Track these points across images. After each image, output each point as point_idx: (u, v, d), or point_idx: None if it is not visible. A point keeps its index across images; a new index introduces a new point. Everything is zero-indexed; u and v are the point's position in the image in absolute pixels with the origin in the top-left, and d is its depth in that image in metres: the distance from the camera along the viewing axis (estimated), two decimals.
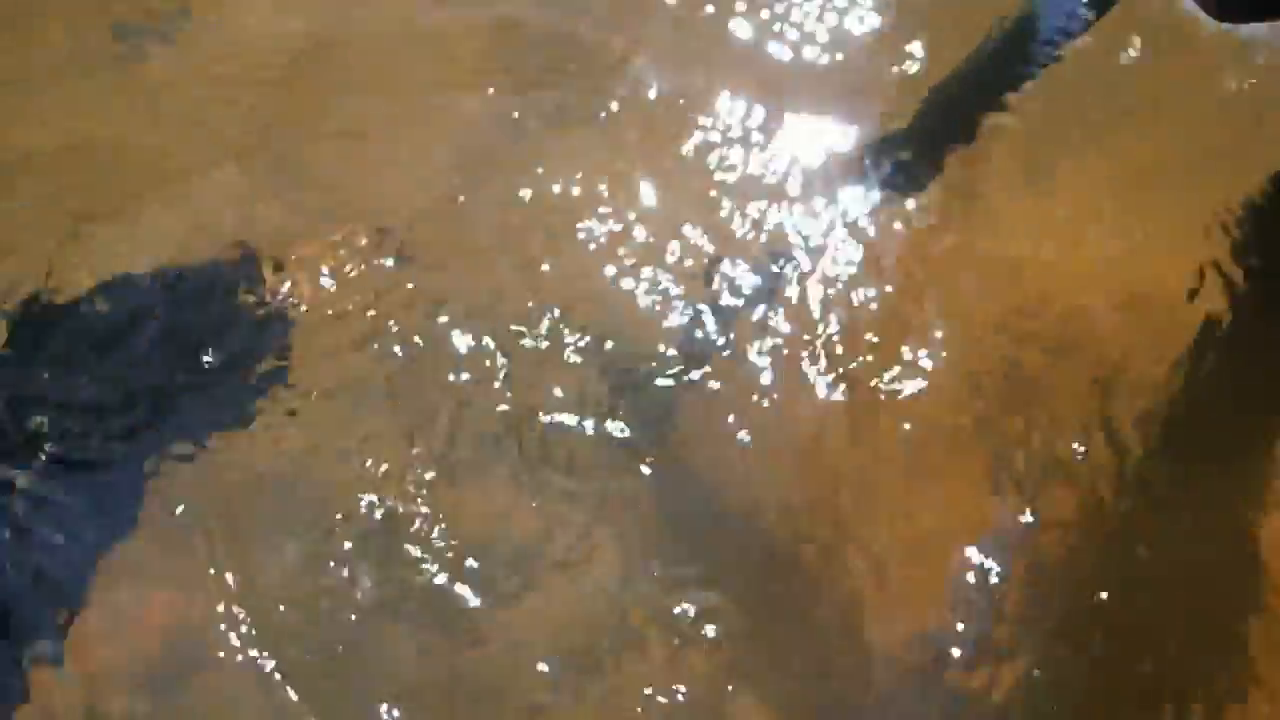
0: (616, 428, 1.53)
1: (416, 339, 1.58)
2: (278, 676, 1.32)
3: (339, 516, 1.44)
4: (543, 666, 1.38)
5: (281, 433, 1.49)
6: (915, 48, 1.85)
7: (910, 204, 1.73)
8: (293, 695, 1.31)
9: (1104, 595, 1.46)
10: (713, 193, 1.73)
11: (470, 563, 1.42)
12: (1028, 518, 1.49)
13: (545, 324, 1.60)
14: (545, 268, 1.66)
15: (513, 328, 1.60)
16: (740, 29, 1.88)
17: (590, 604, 1.42)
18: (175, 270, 1.50)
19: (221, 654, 1.32)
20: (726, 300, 1.65)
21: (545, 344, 1.59)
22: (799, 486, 1.53)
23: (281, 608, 1.36)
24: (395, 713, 1.33)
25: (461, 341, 1.59)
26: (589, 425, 1.53)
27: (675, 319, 1.63)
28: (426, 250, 1.67)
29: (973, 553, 1.47)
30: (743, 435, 1.54)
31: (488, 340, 1.59)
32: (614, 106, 1.81)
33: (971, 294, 1.66)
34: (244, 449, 1.46)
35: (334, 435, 1.50)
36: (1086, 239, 1.71)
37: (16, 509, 1.07)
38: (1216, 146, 1.78)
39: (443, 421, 1.52)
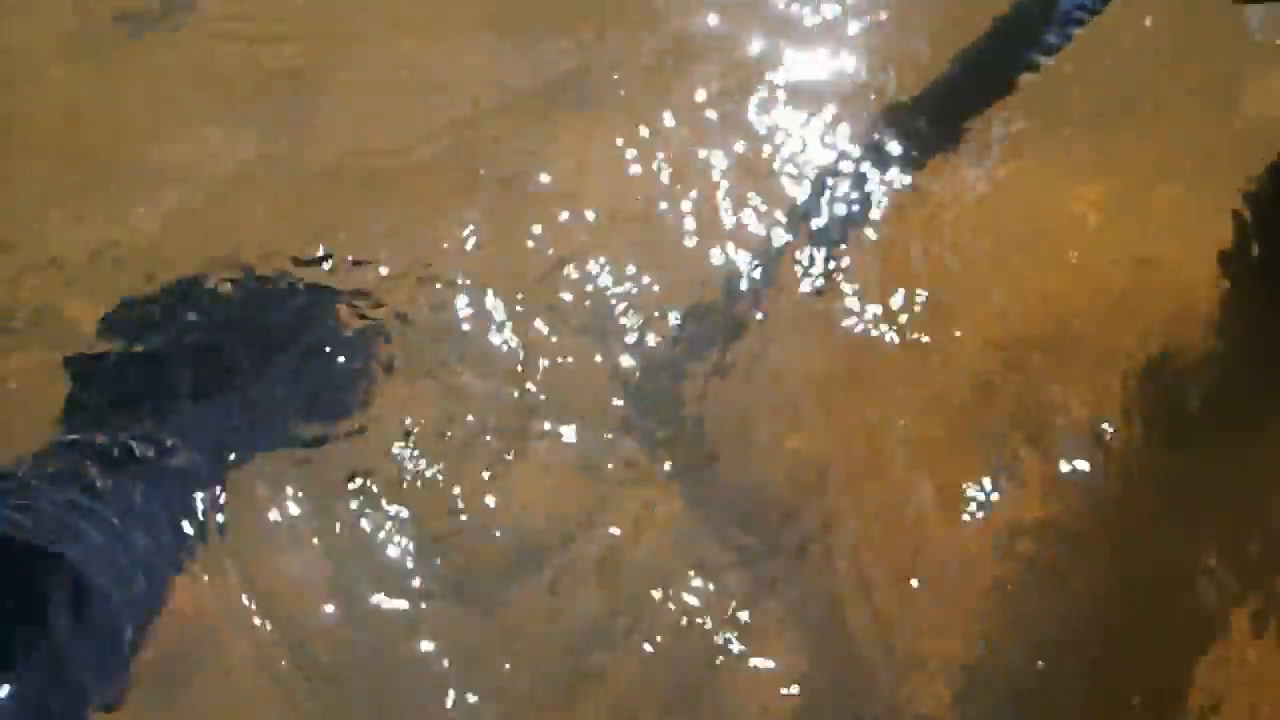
0: (633, 414, 1.54)
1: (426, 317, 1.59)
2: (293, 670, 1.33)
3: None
4: (563, 647, 1.40)
5: None
6: (931, 21, 1.88)
7: (921, 185, 1.74)
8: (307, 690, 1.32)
9: (1104, 594, 1.47)
10: (725, 174, 1.74)
11: (501, 553, 1.44)
12: (1026, 512, 1.51)
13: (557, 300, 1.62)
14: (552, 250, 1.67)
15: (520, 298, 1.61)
16: None
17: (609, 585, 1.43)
18: (259, 275, 1.50)
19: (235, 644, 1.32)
20: (738, 281, 1.66)
21: (558, 323, 1.60)
22: (807, 473, 1.54)
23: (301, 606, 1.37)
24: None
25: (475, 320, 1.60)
26: (604, 412, 1.54)
27: (689, 299, 1.64)
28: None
29: (972, 545, 1.49)
30: (756, 420, 1.56)
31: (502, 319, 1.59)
32: (621, 84, 1.82)
33: (981, 279, 1.67)
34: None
35: None
36: (1100, 225, 1.72)
37: (109, 515, 1.05)
38: (1225, 135, 1.80)
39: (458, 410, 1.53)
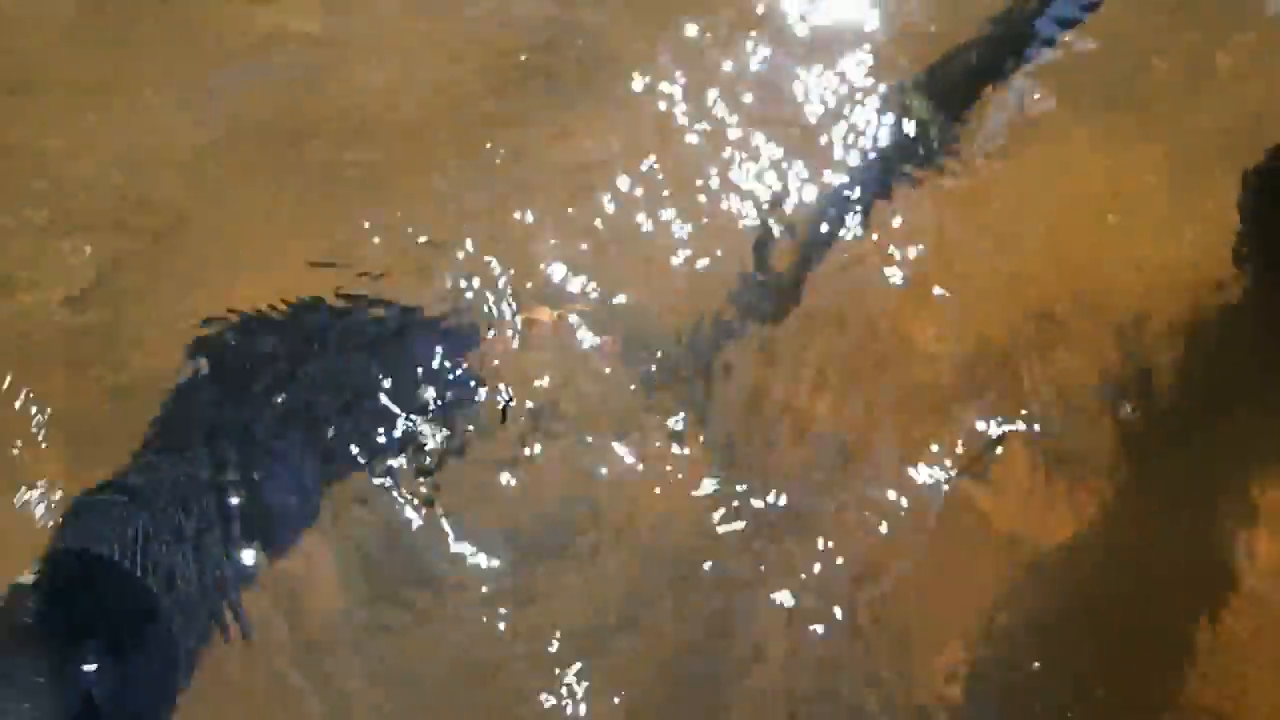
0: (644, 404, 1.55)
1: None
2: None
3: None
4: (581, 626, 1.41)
5: None
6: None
7: (934, 162, 1.73)
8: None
9: (1104, 594, 1.47)
10: (732, 161, 1.73)
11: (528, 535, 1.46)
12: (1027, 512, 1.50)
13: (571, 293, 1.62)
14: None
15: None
16: None
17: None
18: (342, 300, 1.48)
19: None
20: (752, 265, 1.66)
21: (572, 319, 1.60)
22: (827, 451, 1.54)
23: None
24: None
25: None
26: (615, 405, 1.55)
27: (704, 287, 1.63)
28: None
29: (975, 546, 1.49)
30: (780, 397, 1.56)
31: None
32: (631, 73, 1.81)
33: (990, 260, 1.67)
34: None
35: None
36: (1113, 209, 1.70)
37: (188, 542, 1.07)
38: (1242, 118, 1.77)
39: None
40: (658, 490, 1.49)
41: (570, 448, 1.50)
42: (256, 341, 1.38)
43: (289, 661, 1.30)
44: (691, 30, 1.82)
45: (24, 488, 1.37)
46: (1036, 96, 1.77)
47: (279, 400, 1.27)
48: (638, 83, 1.78)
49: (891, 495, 1.49)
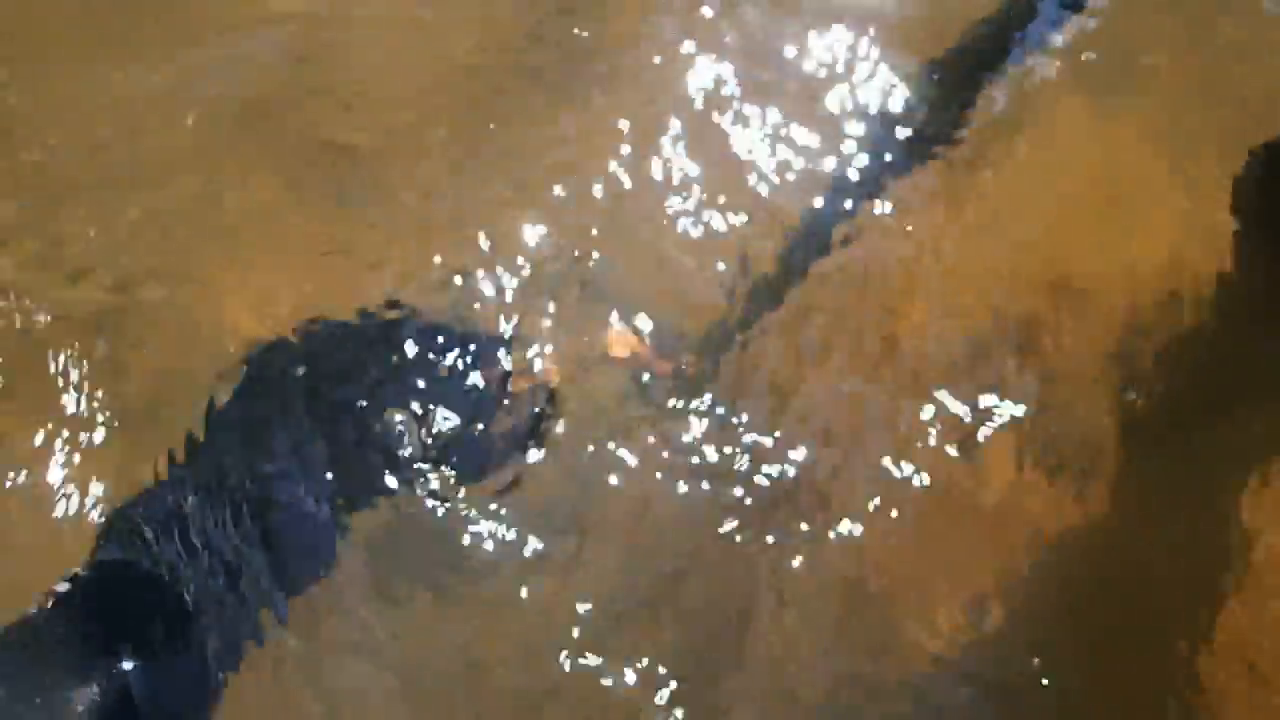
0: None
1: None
2: None
3: None
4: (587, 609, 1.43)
5: None
6: None
7: (930, 154, 1.73)
8: None
9: (1092, 578, 1.49)
10: (737, 150, 1.73)
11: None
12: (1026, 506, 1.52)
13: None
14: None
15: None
16: None
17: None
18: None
19: None
20: (754, 257, 1.66)
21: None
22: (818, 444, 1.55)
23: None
24: None
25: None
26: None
27: (709, 279, 1.64)
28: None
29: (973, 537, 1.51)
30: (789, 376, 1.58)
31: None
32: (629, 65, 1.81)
33: (984, 250, 1.68)
34: None
35: None
36: (1108, 201, 1.71)
37: (226, 557, 1.08)
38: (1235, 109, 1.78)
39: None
40: (660, 476, 1.50)
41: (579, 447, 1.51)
42: (287, 353, 1.37)
43: (295, 664, 1.32)
44: (683, 19, 1.82)
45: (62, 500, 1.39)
46: (1031, 89, 1.78)
47: (308, 414, 1.27)
48: (629, 70, 1.79)
49: (885, 479, 1.51)
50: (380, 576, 1.40)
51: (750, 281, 1.63)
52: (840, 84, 1.76)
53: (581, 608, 1.43)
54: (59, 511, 1.38)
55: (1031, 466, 1.53)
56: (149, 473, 1.26)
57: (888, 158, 1.72)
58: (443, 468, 1.37)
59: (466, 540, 1.43)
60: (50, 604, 0.92)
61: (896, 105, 1.76)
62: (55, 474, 1.41)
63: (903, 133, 1.74)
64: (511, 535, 1.43)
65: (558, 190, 1.67)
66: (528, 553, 1.44)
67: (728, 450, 1.52)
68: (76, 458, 1.43)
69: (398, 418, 1.32)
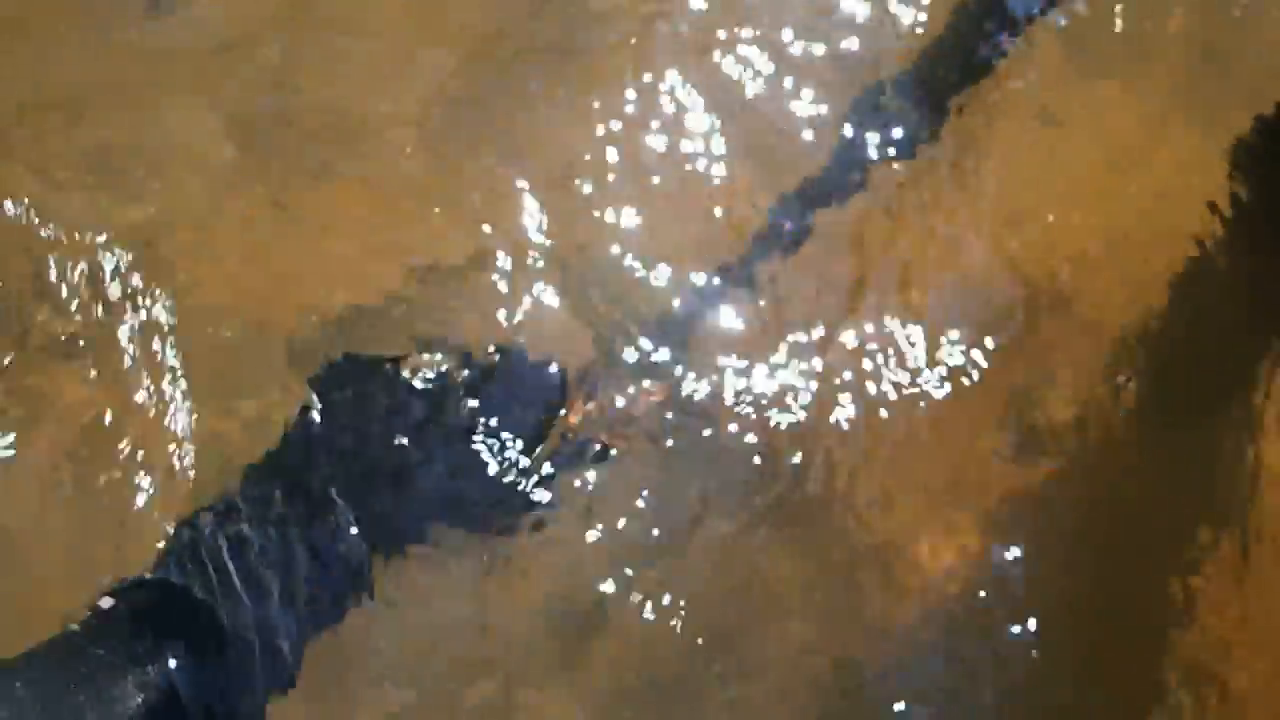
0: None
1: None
2: None
3: None
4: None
5: None
6: None
7: (914, 152, 1.73)
8: None
9: (1101, 564, 1.50)
10: (715, 148, 1.72)
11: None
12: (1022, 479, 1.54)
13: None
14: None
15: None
16: None
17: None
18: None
19: None
20: (728, 258, 1.66)
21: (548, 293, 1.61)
22: (798, 439, 1.56)
23: None
24: None
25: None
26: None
27: (680, 278, 1.64)
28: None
29: (968, 514, 1.52)
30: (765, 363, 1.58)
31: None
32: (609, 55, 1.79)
33: (972, 245, 1.67)
34: None
35: None
36: (1096, 188, 1.72)
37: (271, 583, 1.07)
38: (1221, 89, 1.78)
39: None
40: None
41: None
42: (346, 380, 1.34)
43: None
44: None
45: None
46: (1022, 79, 1.77)
47: (359, 447, 1.25)
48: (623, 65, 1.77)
49: (866, 446, 1.54)
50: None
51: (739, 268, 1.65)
52: (834, 54, 1.77)
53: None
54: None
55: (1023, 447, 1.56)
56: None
57: (880, 140, 1.73)
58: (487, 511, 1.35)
59: None
60: (96, 615, 0.92)
61: (882, 106, 1.76)
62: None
63: (897, 116, 1.75)
64: None
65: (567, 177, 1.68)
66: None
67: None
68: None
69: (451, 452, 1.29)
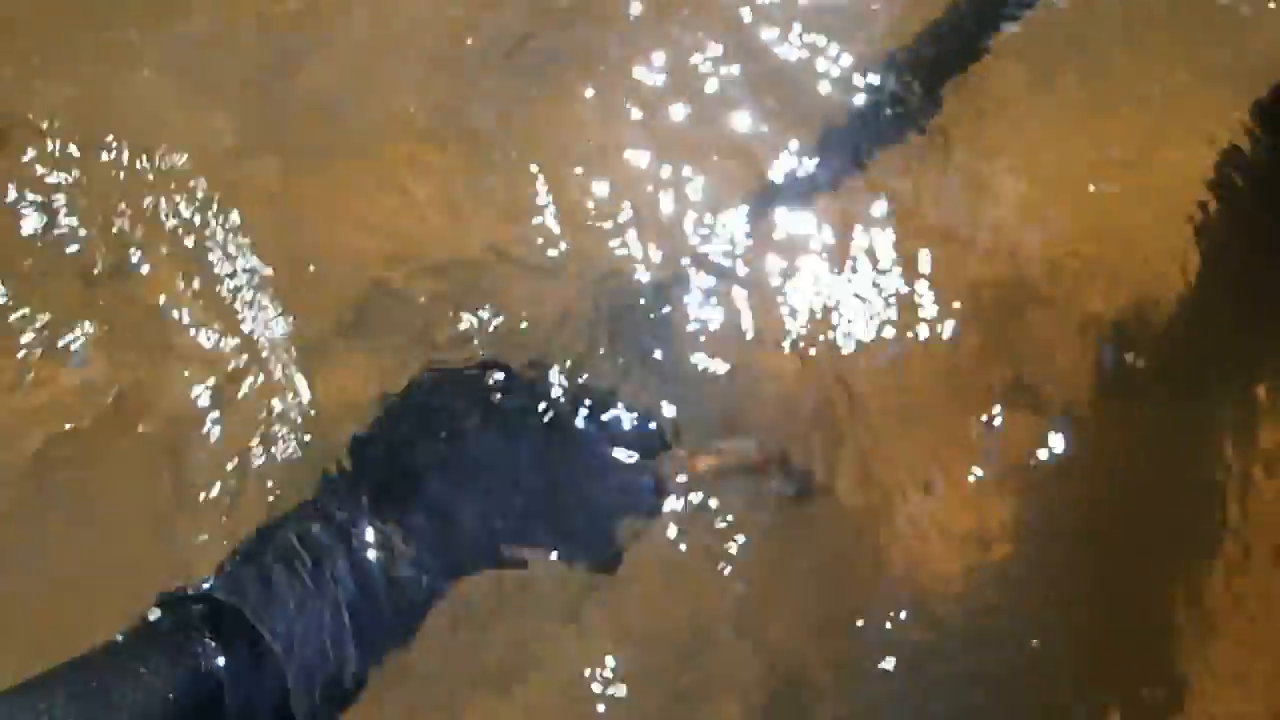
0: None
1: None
2: None
3: None
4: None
5: None
6: None
7: (907, 138, 1.72)
8: None
9: (1100, 562, 1.49)
10: (708, 131, 1.73)
11: None
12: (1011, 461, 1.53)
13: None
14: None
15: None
16: None
17: None
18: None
19: None
20: (717, 237, 1.66)
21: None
22: (786, 417, 1.56)
23: None
24: None
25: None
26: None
27: (666, 256, 1.64)
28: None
29: (959, 492, 1.51)
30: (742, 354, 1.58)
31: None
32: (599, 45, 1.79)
33: (966, 228, 1.67)
34: None
35: None
36: (1092, 174, 1.71)
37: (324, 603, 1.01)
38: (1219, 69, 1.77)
39: None
40: None
41: None
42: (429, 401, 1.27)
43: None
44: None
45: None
46: (1014, 65, 1.77)
47: (433, 476, 1.17)
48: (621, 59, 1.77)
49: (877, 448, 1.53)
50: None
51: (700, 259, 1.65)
52: (825, 64, 1.77)
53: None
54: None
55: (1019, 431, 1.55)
56: None
57: (865, 142, 1.72)
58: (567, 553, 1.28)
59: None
60: (142, 625, 0.92)
61: (877, 93, 1.76)
62: None
63: (891, 101, 1.75)
64: None
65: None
66: None
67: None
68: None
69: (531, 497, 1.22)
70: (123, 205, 1.64)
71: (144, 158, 1.68)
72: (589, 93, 1.76)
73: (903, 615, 1.44)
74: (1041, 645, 1.43)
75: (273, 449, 1.48)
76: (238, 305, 1.60)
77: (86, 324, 1.56)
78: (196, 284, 1.60)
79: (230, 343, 1.57)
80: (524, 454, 1.20)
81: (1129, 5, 1.79)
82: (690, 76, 1.76)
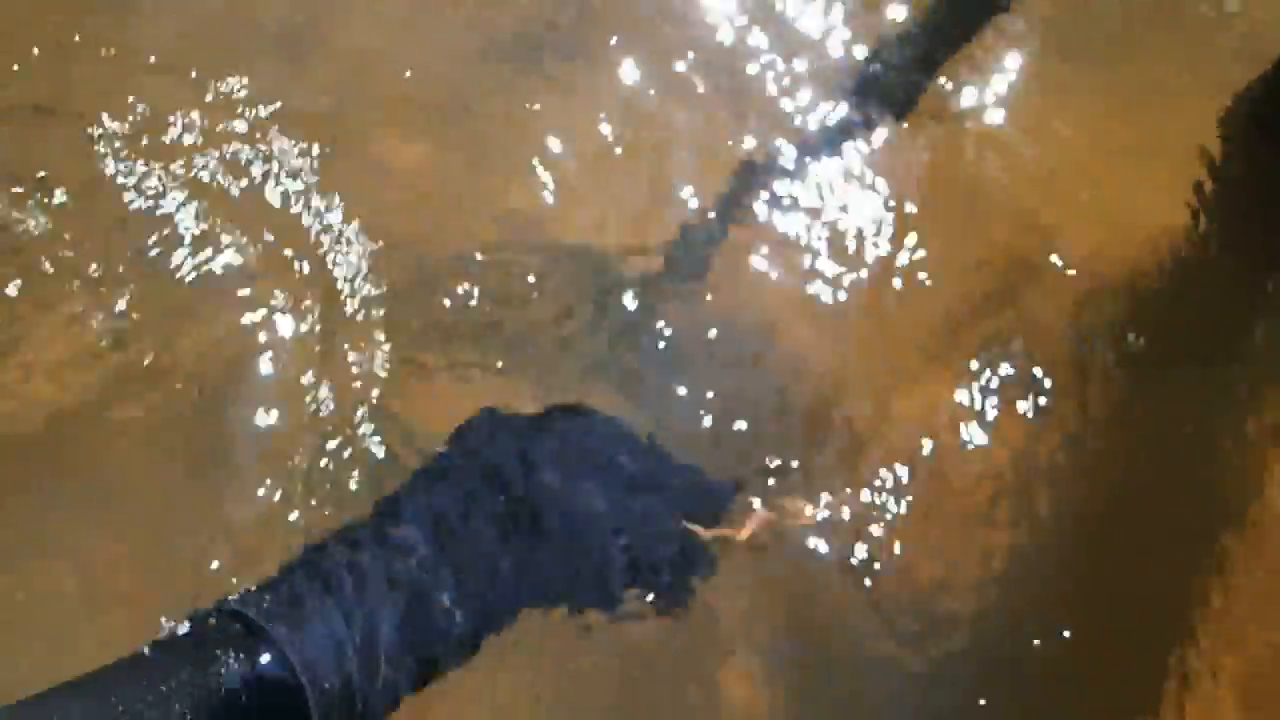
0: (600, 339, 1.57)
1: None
2: None
3: None
4: None
5: None
6: None
7: (906, 115, 1.75)
8: None
9: (1083, 514, 1.50)
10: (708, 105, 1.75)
11: None
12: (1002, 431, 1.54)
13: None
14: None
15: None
16: None
17: None
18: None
19: None
20: (718, 209, 1.68)
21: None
22: (782, 389, 1.56)
23: None
24: None
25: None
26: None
27: (666, 226, 1.66)
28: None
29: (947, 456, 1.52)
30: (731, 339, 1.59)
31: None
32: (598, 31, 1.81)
33: (963, 208, 1.69)
34: None
35: None
36: (1088, 150, 1.73)
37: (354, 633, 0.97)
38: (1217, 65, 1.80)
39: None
40: None
41: None
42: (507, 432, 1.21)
43: None
44: None
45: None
46: (1008, 53, 1.79)
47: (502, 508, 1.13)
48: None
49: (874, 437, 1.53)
50: None
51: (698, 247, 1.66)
52: (820, 51, 1.79)
53: None
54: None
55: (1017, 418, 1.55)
56: None
57: (862, 126, 1.74)
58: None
59: None
60: (169, 637, 0.91)
61: (874, 75, 1.77)
62: None
63: (879, 103, 1.75)
64: None
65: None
66: None
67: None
68: None
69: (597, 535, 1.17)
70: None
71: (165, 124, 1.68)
72: (594, 85, 1.76)
73: (902, 615, 1.45)
74: (1041, 644, 1.43)
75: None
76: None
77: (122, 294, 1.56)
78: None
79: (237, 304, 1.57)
80: (579, 508, 1.16)
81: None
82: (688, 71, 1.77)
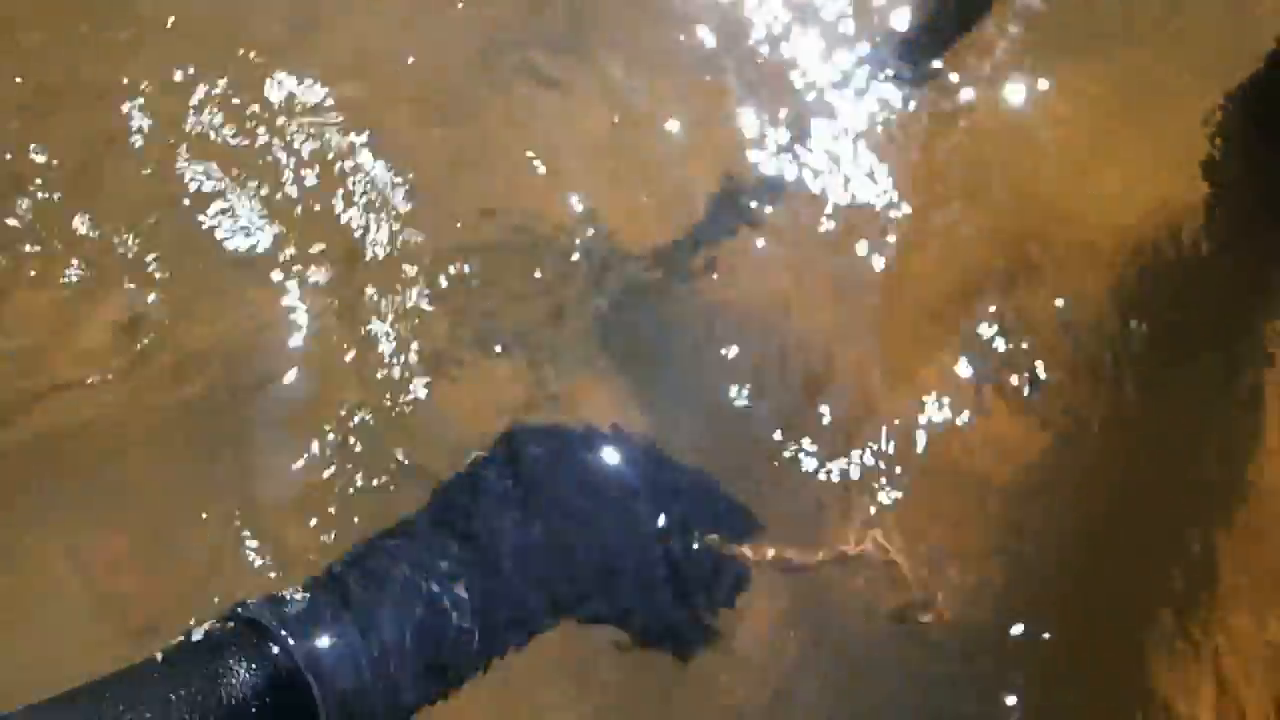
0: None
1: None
2: None
3: None
4: None
5: None
6: None
7: (912, 98, 1.75)
8: None
9: (1080, 501, 1.51)
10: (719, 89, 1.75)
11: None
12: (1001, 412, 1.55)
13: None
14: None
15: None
16: None
17: None
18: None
19: None
20: (728, 197, 1.68)
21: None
22: (786, 369, 1.57)
23: None
24: None
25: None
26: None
27: (667, 222, 1.66)
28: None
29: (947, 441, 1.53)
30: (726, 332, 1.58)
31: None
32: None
33: (965, 192, 1.69)
34: None
35: None
36: (1087, 146, 1.74)
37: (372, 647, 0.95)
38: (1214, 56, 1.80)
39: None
40: None
41: None
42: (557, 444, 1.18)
43: None
44: None
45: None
46: (1005, 41, 1.79)
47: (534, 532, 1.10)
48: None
49: (871, 430, 1.53)
50: None
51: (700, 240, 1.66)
52: (818, 43, 1.79)
53: None
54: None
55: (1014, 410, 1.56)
56: None
57: (861, 116, 1.74)
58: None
59: None
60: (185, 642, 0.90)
61: (873, 66, 1.78)
62: None
63: (878, 93, 1.76)
64: None
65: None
66: None
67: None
68: None
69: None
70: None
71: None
72: (592, 82, 1.76)
73: (901, 616, 1.44)
74: (1039, 644, 1.44)
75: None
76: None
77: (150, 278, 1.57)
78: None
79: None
80: (607, 531, 1.13)
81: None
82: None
